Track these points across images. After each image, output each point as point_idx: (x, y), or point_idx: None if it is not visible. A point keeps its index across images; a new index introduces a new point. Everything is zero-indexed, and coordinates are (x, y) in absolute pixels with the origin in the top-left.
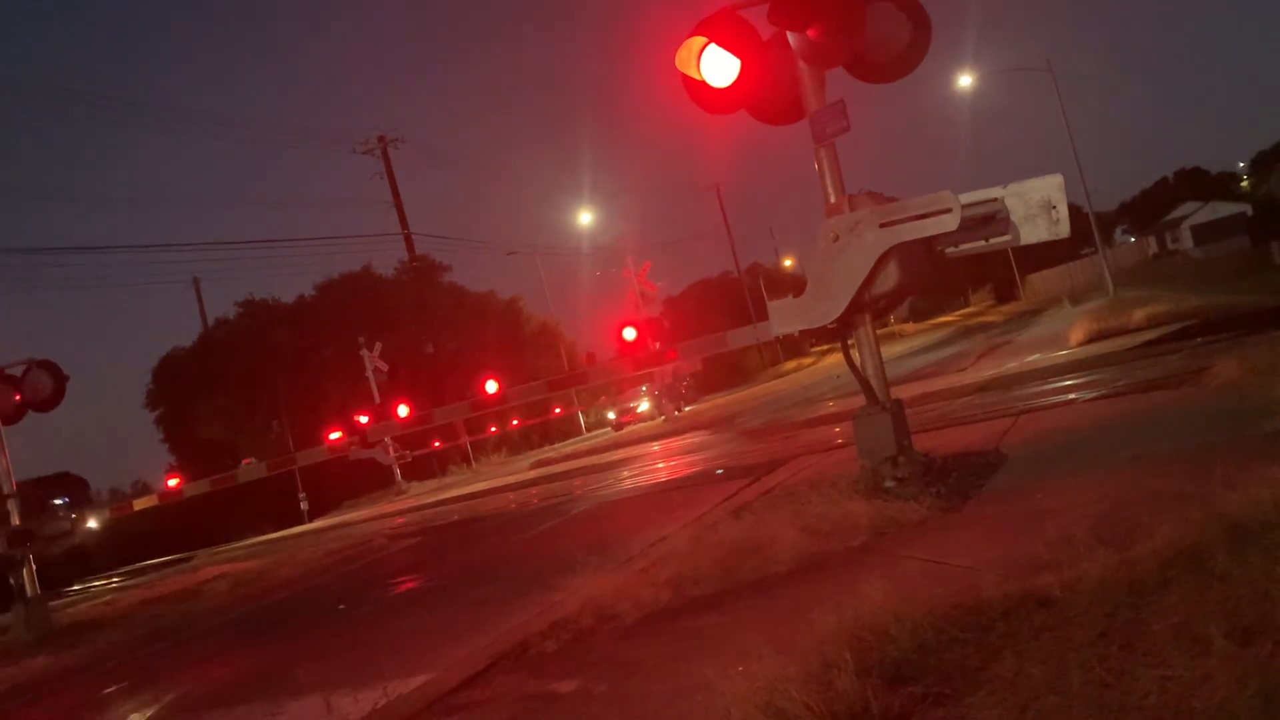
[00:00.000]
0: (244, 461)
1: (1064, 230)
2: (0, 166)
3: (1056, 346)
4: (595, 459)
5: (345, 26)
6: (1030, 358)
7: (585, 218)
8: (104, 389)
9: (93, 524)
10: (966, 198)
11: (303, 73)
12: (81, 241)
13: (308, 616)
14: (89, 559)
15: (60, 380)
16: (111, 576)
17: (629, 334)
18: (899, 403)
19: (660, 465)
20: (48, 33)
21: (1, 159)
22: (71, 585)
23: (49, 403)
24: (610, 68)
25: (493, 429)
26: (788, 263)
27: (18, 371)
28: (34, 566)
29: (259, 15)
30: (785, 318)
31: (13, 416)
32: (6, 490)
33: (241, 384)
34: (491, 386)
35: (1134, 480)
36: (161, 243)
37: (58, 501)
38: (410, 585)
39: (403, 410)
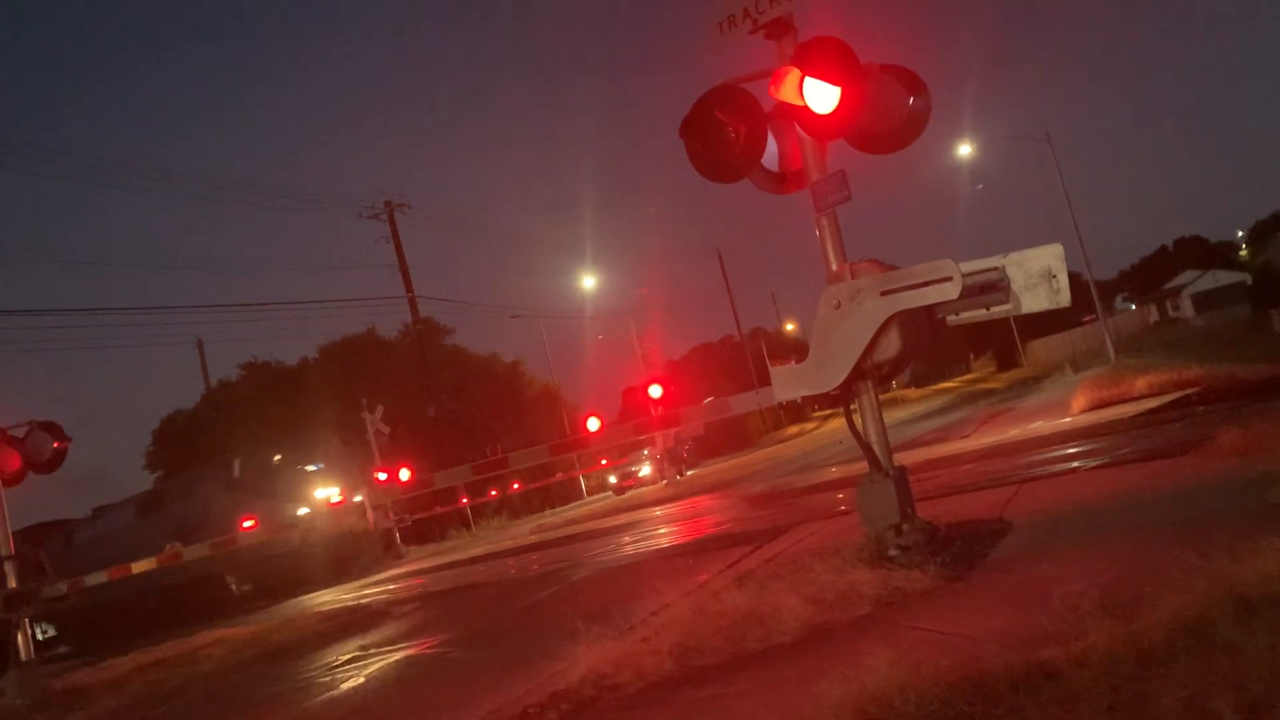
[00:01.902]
0: (242, 523)
1: (1065, 299)
2: (3, 229)
3: (1059, 414)
4: (596, 524)
5: (352, 94)
6: (1032, 425)
7: (588, 281)
8: (105, 451)
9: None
10: (967, 266)
11: (310, 139)
12: (85, 303)
13: (305, 684)
14: (82, 624)
15: (62, 442)
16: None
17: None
18: (902, 469)
19: (662, 531)
20: (53, 95)
21: (5, 221)
22: (66, 650)
23: (50, 465)
24: (616, 135)
25: (493, 492)
26: (789, 327)
27: (20, 433)
28: (29, 630)
29: (267, 81)
30: (788, 383)
31: (14, 479)
32: (4, 553)
33: (243, 447)
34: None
35: (1138, 550)
36: (165, 304)
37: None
38: (409, 652)
39: (404, 474)
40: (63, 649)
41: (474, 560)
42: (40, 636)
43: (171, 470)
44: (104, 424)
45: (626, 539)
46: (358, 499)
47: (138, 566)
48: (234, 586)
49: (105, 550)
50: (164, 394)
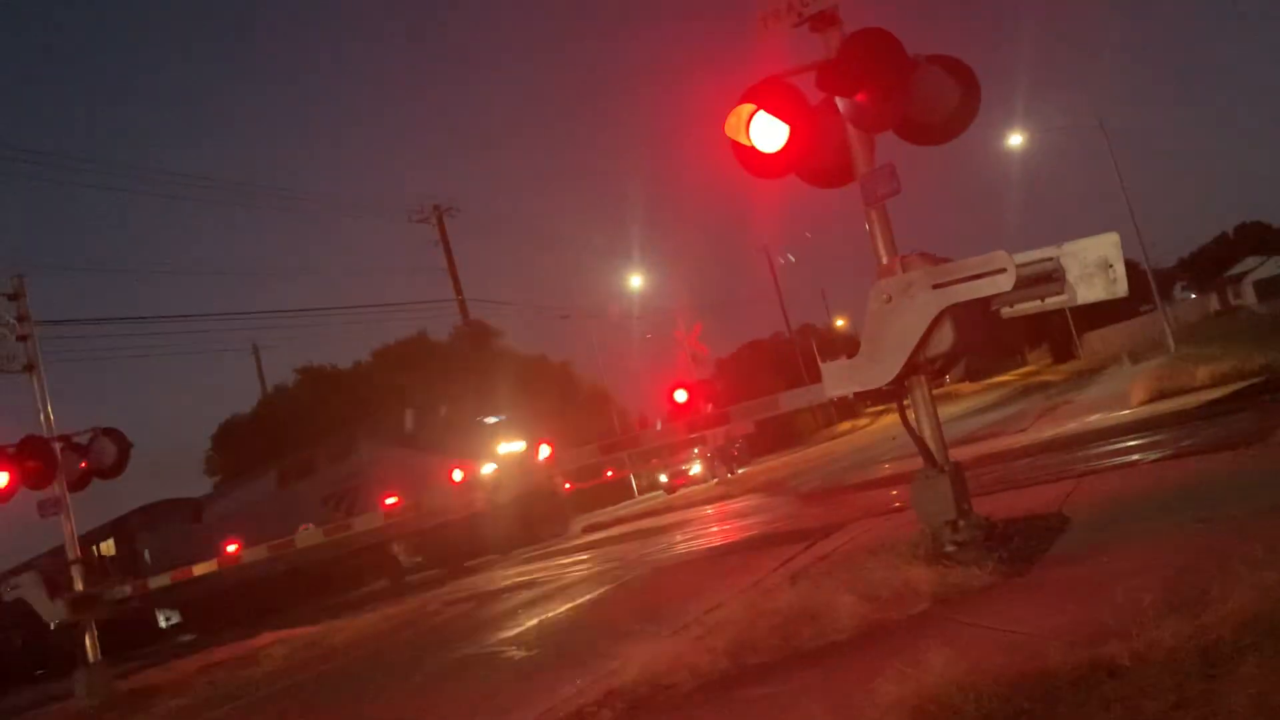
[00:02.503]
0: (301, 527)
1: (1121, 289)
2: (67, 239)
3: (1117, 406)
4: (647, 523)
5: (402, 101)
6: (1091, 418)
7: (635, 281)
8: (164, 455)
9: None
10: (1021, 257)
11: (361, 146)
12: (144, 311)
13: (362, 684)
14: (152, 624)
15: (125, 448)
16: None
17: (680, 396)
18: (958, 465)
19: (714, 529)
20: (111, 107)
21: (70, 232)
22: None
23: (114, 470)
24: (661, 133)
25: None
26: (840, 323)
27: (84, 440)
28: (95, 632)
29: (320, 90)
30: (839, 379)
31: (78, 484)
32: (71, 556)
33: (300, 450)
34: (545, 451)
35: (1202, 544)
36: (222, 312)
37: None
38: (465, 653)
39: (458, 475)
40: (187, 636)
41: (525, 560)
42: (164, 623)
43: (230, 474)
44: (163, 429)
45: (679, 537)
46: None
47: (199, 568)
48: (401, 557)
49: (244, 524)
50: (222, 399)
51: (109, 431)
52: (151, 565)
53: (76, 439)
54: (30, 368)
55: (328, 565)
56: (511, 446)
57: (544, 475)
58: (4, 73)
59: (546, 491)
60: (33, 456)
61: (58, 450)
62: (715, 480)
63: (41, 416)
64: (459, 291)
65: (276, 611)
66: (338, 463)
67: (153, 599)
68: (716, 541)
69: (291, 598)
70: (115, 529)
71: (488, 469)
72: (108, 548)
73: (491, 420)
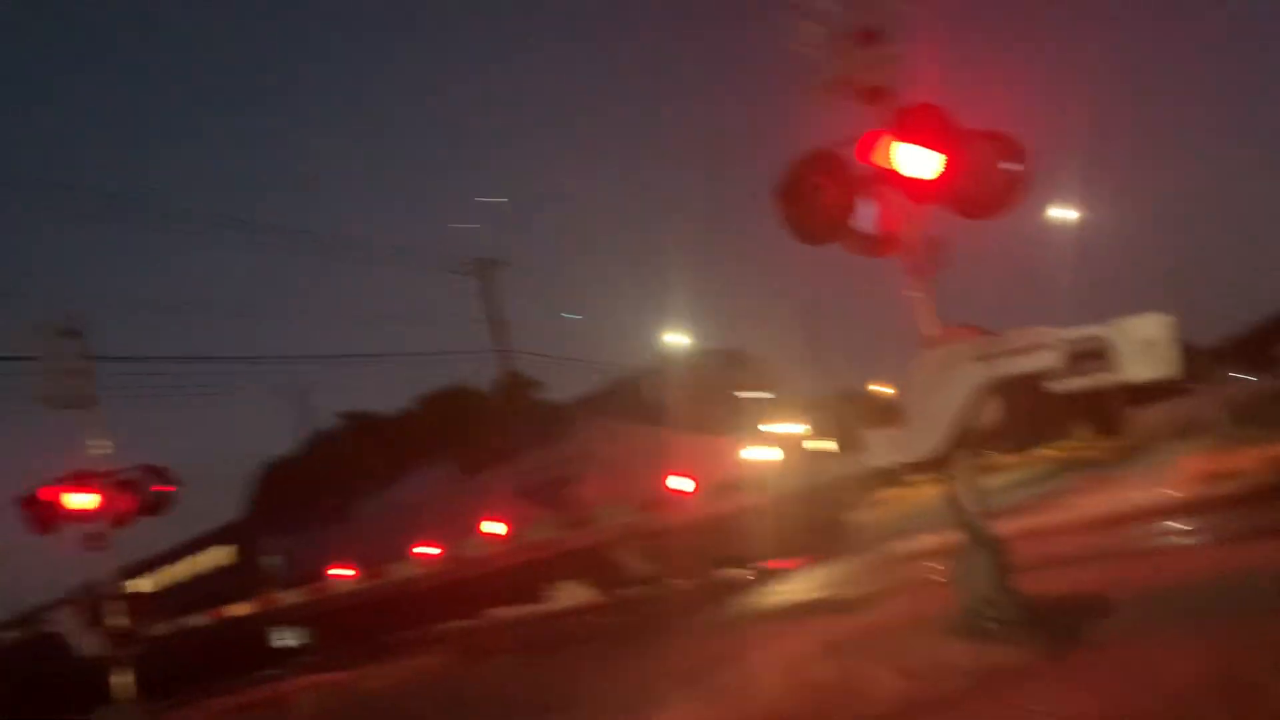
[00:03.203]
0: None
1: (1171, 369)
2: (108, 278)
3: (1163, 486)
4: (684, 583)
5: (447, 153)
6: (1135, 497)
7: (676, 338)
8: (204, 493)
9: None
10: (1069, 334)
11: (409, 196)
12: (189, 351)
13: None
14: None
15: (171, 485)
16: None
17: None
18: (999, 539)
19: (752, 594)
20: (159, 152)
21: (109, 271)
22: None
23: (159, 507)
24: (707, 192)
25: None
26: (878, 388)
27: (131, 476)
28: (133, 669)
29: (368, 140)
30: (883, 449)
31: (125, 520)
32: (111, 591)
33: (340, 494)
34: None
35: (1250, 634)
36: (267, 354)
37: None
38: (493, 709)
39: (500, 528)
40: (310, 658)
41: (559, 614)
42: (289, 643)
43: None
44: (203, 467)
45: (724, 604)
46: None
47: (398, 568)
48: (632, 563)
49: (420, 520)
50: (264, 440)
51: (157, 469)
52: (285, 573)
53: (124, 475)
54: (85, 403)
55: (504, 573)
56: (789, 429)
57: (844, 474)
58: (69, 116)
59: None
60: (82, 491)
61: (106, 485)
62: None
63: (93, 451)
64: (501, 342)
65: (427, 626)
66: (545, 447)
67: (272, 617)
68: (755, 607)
69: (450, 610)
70: (230, 534)
71: (765, 454)
72: (145, 583)
73: (761, 396)
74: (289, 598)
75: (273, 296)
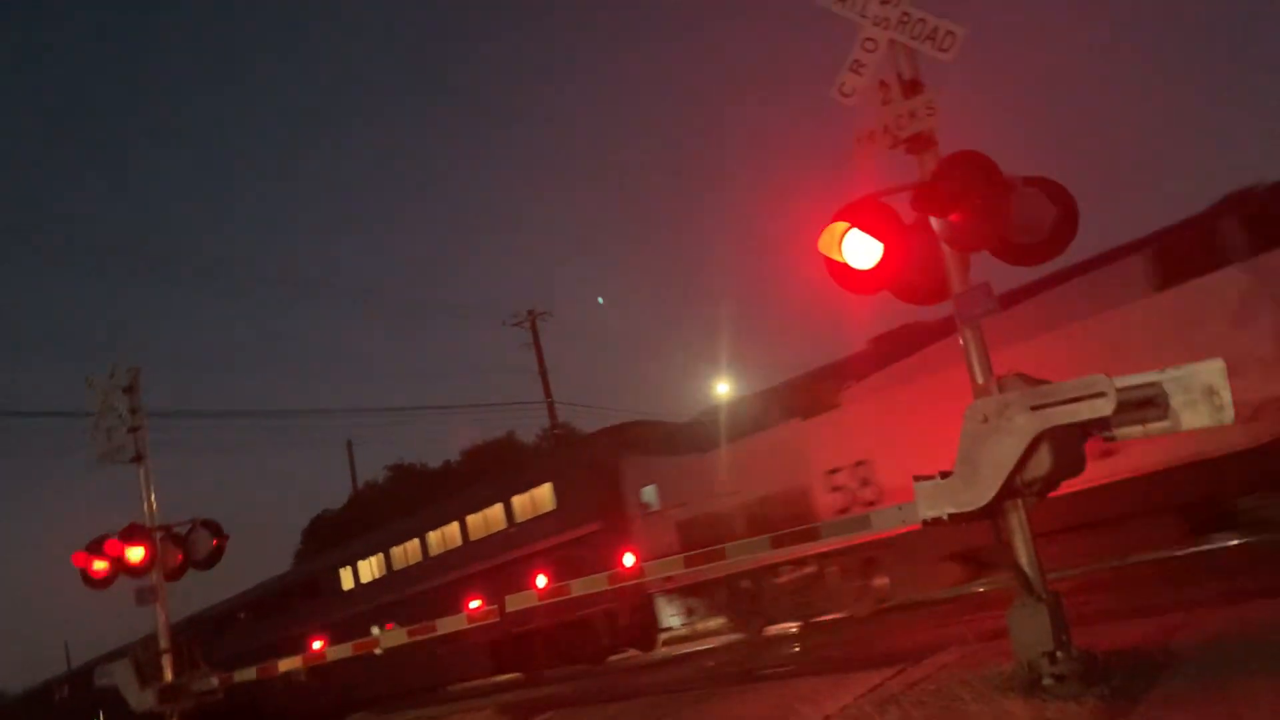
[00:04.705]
0: (387, 626)
1: (1228, 417)
2: (169, 337)
3: (1227, 534)
4: (729, 637)
5: (498, 211)
6: (1198, 546)
7: (722, 388)
8: (256, 549)
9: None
10: (1122, 381)
11: (461, 248)
12: (240, 406)
13: None
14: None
15: (221, 539)
16: None
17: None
18: (1056, 594)
19: (797, 649)
20: (210, 206)
21: (170, 330)
22: None
23: (209, 561)
24: (754, 249)
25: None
26: None
27: (183, 530)
28: None
29: (415, 191)
30: (933, 500)
31: (175, 574)
32: (163, 645)
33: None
34: (629, 560)
35: None
36: (317, 407)
37: None
38: None
39: (541, 581)
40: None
41: (601, 673)
42: None
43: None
44: (256, 520)
45: (768, 656)
46: None
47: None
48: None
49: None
50: (314, 493)
51: (207, 523)
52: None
53: (176, 529)
54: (139, 458)
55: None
56: None
57: None
58: (124, 173)
59: None
60: (134, 545)
61: (158, 540)
62: None
63: (145, 506)
64: (548, 394)
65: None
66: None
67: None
68: (802, 661)
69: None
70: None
71: None
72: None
73: None
74: (243, 676)
75: (327, 351)
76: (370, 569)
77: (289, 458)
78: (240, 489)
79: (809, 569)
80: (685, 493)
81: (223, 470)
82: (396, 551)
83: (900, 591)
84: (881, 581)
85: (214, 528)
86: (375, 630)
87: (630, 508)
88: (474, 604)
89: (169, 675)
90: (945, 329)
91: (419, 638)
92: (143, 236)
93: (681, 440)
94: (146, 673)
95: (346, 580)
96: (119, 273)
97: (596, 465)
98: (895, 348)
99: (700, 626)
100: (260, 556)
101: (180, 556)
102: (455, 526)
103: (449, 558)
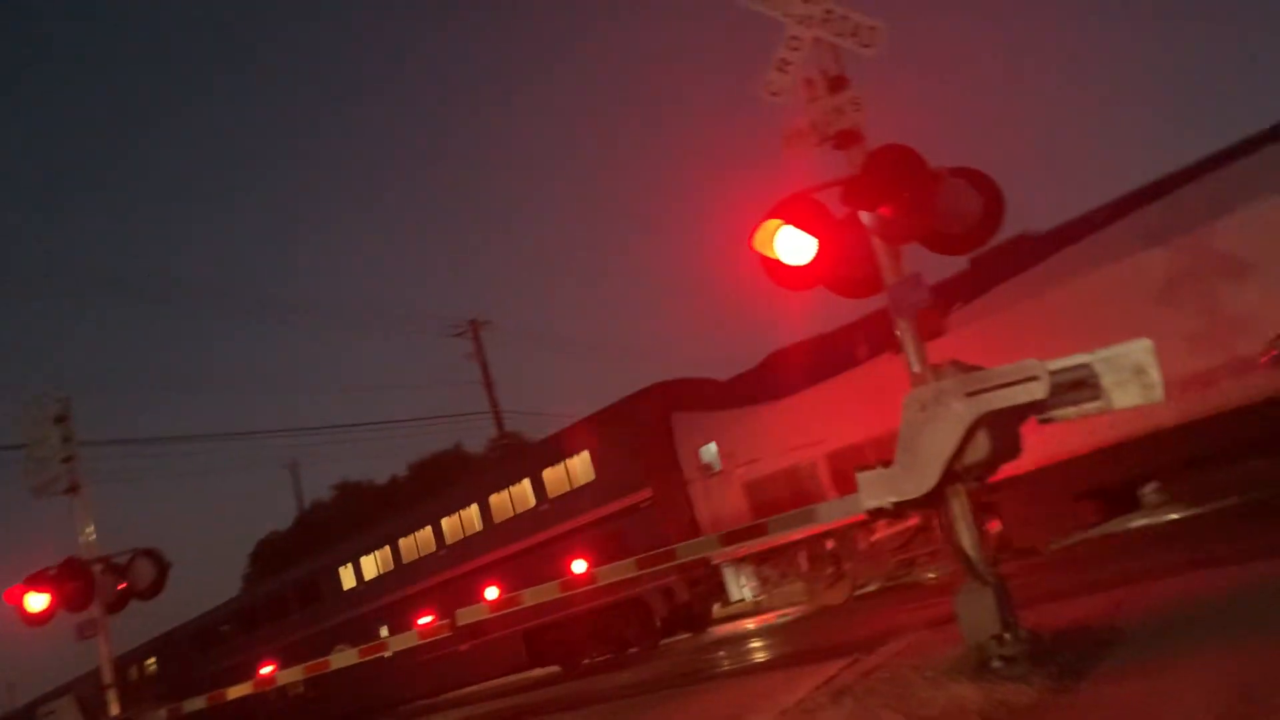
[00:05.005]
0: (336, 648)
1: (1158, 395)
2: (95, 360)
3: (1165, 508)
4: (684, 637)
5: (433, 217)
6: (1135, 523)
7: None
8: (201, 574)
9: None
10: (1054, 364)
11: (396, 261)
12: (176, 430)
13: None
14: None
15: (163, 568)
16: None
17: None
18: (1001, 577)
19: (754, 644)
20: (141, 224)
21: (96, 350)
22: None
23: (152, 591)
24: (689, 245)
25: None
26: None
27: (123, 560)
28: None
29: (351, 202)
30: (875, 489)
31: (117, 605)
32: (107, 679)
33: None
34: (579, 566)
35: (1262, 658)
36: (259, 429)
37: None
38: None
39: (491, 592)
40: None
41: (550, 681)
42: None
43: None
44: (201, 546)
45: (721, 654)
46: None
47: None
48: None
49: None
50: (259, 516)
51: (148, 552)
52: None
53: (116, 560)
54: (74, 489)
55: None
56: None
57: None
58: (41, 194)
59: None
60: (72, 579)
61: (97, 572)
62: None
63: (81, 538)
64: (494, 404)
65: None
66: None
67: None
68: (758, 656)
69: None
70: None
71: None
72: (151, 664)
73: None
74: (191, 705)
75: (267, 370)
76: (375, 564)
77: (232, 481)
78: (184, 516)
79: (912, 520)
80: (751, 449)
81: (165, 498)
82: (406, 543)
83: (1020, 539)
84: (994, 528)
85: (155, 557)
86: (384, 631)
87: (687, 470)
88: (423, 620)
89: (115, 710)
90: (1059, 239)
91: (369, 657)
92: (73, 255)
93: (736, 394)
94: (91, 709)
95: (348, 579)
96: (43, 296)
97: (642, 427)
98: (999, 266)
99: (771, 597)
100: (207, 583)
101: (121, 587)
102: (474, 510)
103: (469, 545)
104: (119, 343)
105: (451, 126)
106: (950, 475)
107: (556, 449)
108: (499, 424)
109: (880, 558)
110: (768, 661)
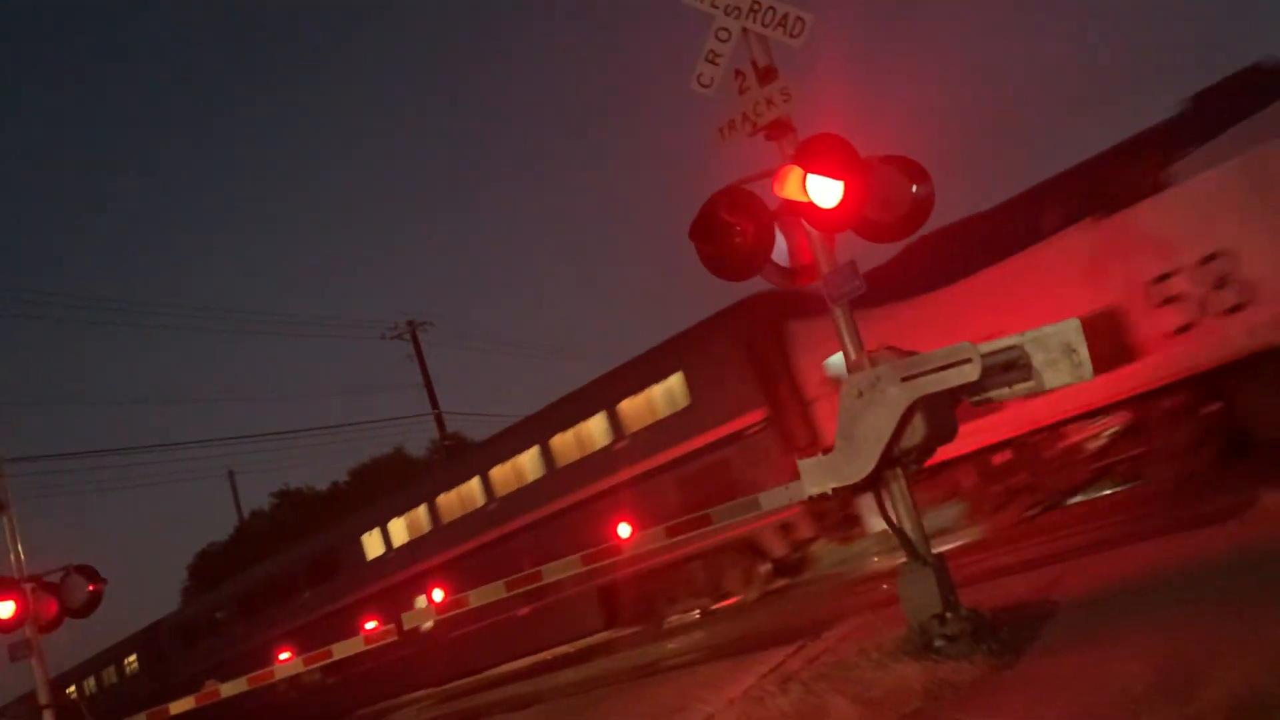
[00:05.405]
0: (278, 657)
1: (1087, 374)
2: (31, 374)
3: (1095, 488)
4: (626, 631)
5: (367, 217)
6: (1070, 501)
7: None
8: (139, 590)
9: None
10: (986, 347)
11: (329, 264)
12: (110, 443)
13: None
14: None
15: (98, 585)
16: None
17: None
18: (941, 557)
19: (698, 634)
20: (80, 238)
21: (33, 364)
22: None
23: (87, 608)
24: (628, 236)
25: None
26: None
27: (55, 578)
28: None
29: (282, 215)
30: (816, 476)
31: (51, 625)
32: (43, 700)
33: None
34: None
35: (1189, 626)
36: (194, 439)
37: None
38: None
39: (437, 595)
40: None
41: (505, 679)
42: None
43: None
44: (139, 561)
45: (670, 645)
46: None
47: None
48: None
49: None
50: (197, 528)
51: (81, 569)
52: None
53: (48, 578)
54: (2, 508)
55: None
56: None
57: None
58: None
59: None
60: (3, 599)
61: (29, 591)
62: None
63: (12, 556)
64: (435, 405)
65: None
66: None
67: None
68: (705, 645)
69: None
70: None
71: None
72: (89, 685)
73: None
74: (230, 689)
75: (200, 379)
76: (404, 529)
77: (169, 494)
78: (120, 531)
79: (1116, 419)
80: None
81: (100, 513)
82: (446, 500)
83: (1264, 428)
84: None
85: (89, 573)
86: (420, 602)
87: (809, 387)
88: (369, 624)
89: None
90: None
91: (314, 665)
92: None
93: (861, 298)
94: None
95: (373, 547)
96: None
97: (751, 338)
98: (1230, 102)
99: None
100: (145, 598)
101: (54, 606)
102: (533, 453)
103: (525, 495)
104: (45, 360)
105: (386, 123)
106: (888, 459)
107: (638, 376)
108: (441, 426)
109: (1073, 467)
110: (715, 649)
